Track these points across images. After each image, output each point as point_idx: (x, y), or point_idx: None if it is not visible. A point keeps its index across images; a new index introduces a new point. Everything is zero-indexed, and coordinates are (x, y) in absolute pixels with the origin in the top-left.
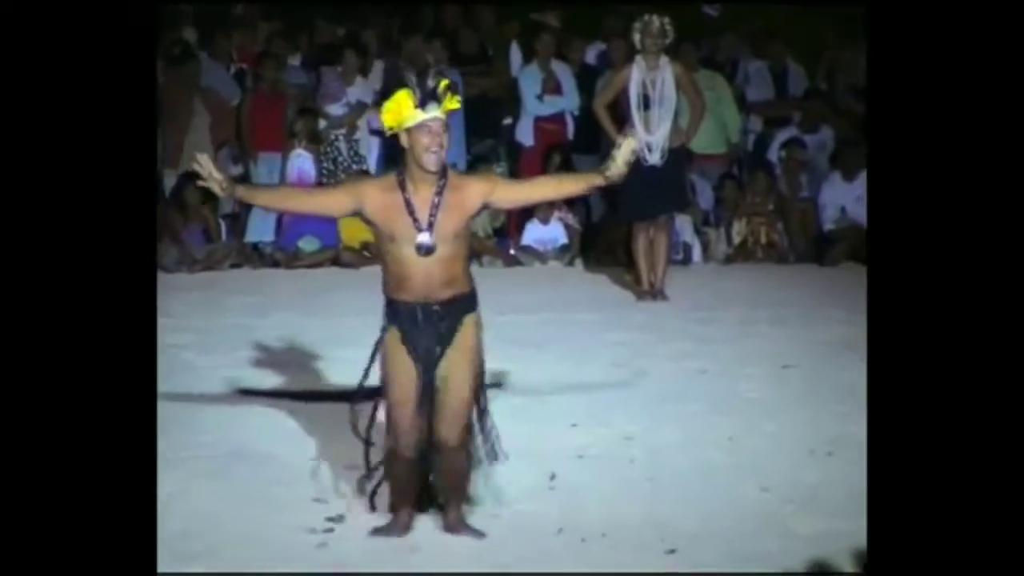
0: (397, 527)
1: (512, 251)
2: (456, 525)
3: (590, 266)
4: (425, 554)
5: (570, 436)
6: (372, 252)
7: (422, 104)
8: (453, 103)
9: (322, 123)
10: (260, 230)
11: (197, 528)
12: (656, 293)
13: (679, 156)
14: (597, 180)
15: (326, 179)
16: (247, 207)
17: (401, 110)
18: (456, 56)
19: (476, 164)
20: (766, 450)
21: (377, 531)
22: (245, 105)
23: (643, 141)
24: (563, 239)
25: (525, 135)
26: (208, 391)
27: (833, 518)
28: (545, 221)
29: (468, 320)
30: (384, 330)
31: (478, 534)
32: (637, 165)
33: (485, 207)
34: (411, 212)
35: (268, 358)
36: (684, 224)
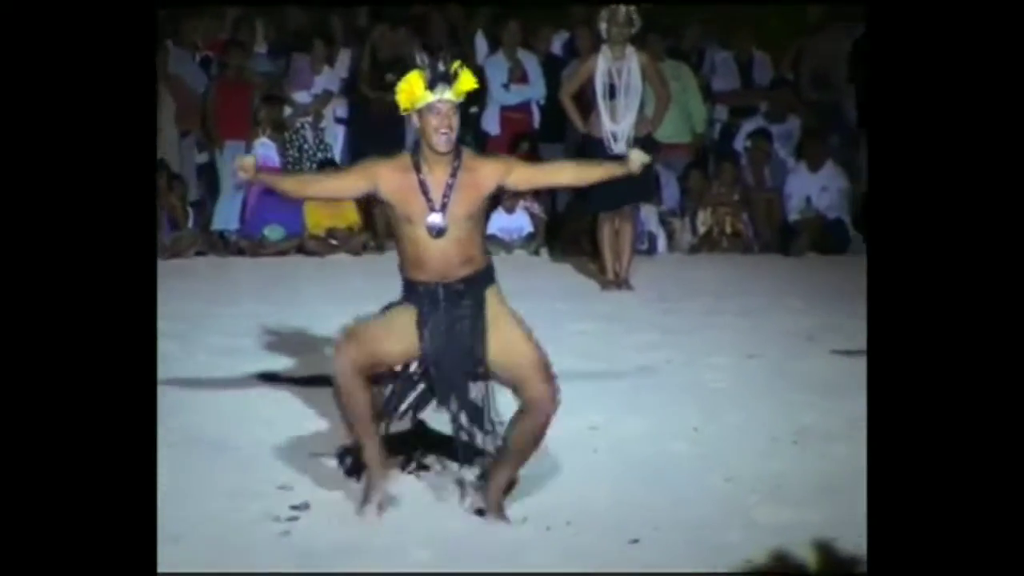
0: (372, 472)
1: None
2: (496, 501)
3: (555, 256)
4: (389, 543)
5: None
6: (338, 239)
7: (432, 85)
8: (469, 83)
9: (288, 111)
10: (225, 218)
11: (159, 515)
12: (621, 283)
13: (645, 146)
14: (619, 170)
15: (291, 167)
16: (213, 194)
17: (413, 91)
18: (424, 45)
19: None
20: (730, 440)
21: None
22: (210, 93)
23: (608, 130)
24: (528, 228)
25: (491, 124)
26: (171, 377)
27: (797, 508)
28: (510, 210)
29: (490, 294)
30: (395, 304)
31: (505, 518)
32: (603, 155)
33: (500, 189)
34: (425, 193)
35: (232, 345)
36: (649, 214)
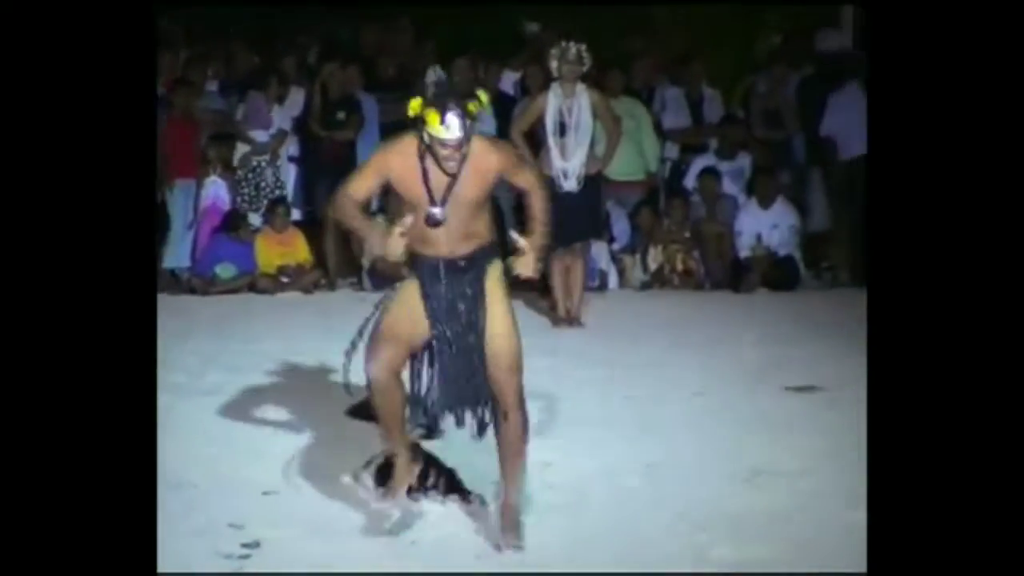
0: (399, 473)
1: None
2: (510, 520)
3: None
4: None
5: (489, 462)
6: (290, 277)
7: (443, 120)
8: (480, 105)
9: (244, 149)
10: (176, 256)
11: None
12: (572, 320)
13: (595, 183)
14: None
15: (247, 206)
16: (163, 233)
17: (427, 120)
18: (373, 82)
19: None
20: (684, 477)
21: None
22: (159, 132)
23: (559, 168)
24: None
25: None
26: None
27: (750, 545)
28: None
29: (492, 271)
30: (401, 283)
31: (519, 546)
32: (553, 192)
33: (502, 179)
34: (427, 183)
35: (183, 382)
36: (600, 251)
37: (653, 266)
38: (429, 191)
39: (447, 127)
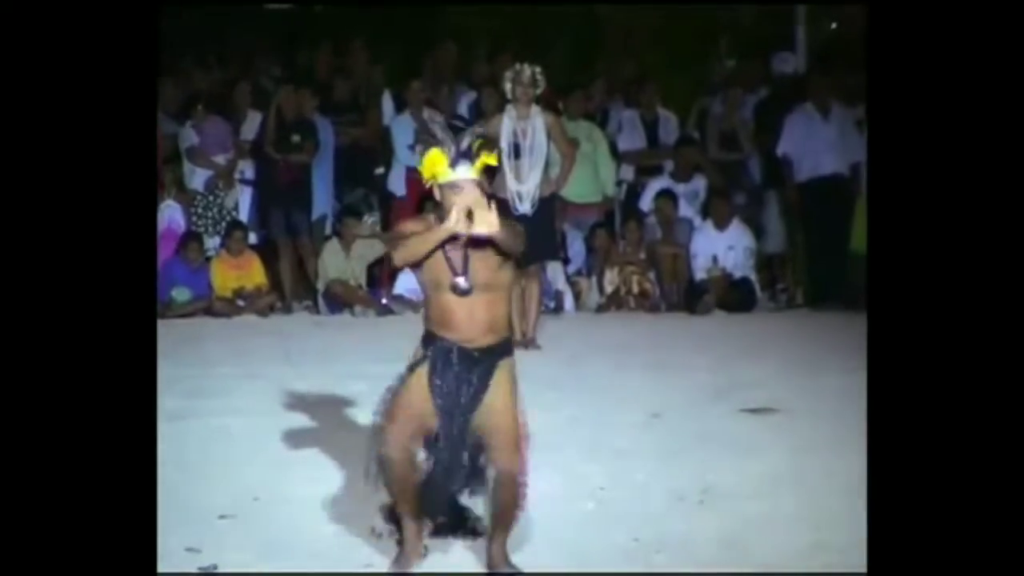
0: (409, 544)
1: (384, 300)
2: (499, 558)
3: None
4: None
5: None
6: (245, 300)
7: (454, 164)
8: (490, 159)
9: (205, 174)
10: None
11: None
12: (528, 342)
13: (550, 205)
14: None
15: (209, 228)
16: None
17: (435, 167)
18: (328, 105)
19: (346, 214)
20: (637, 499)
21: (395, 563)
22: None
23: (513, 191)
24: None
25: (397, 185)
26: None
27: (705, 567)
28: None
29: (504, 364)
30: (417, 363)
31: (517, 572)
32: (507, 214)
33: None
34: (448, 259)
35: None
36: (556, 273)
37: (609, 288)
38: (449, 261)
39: (456, 169)
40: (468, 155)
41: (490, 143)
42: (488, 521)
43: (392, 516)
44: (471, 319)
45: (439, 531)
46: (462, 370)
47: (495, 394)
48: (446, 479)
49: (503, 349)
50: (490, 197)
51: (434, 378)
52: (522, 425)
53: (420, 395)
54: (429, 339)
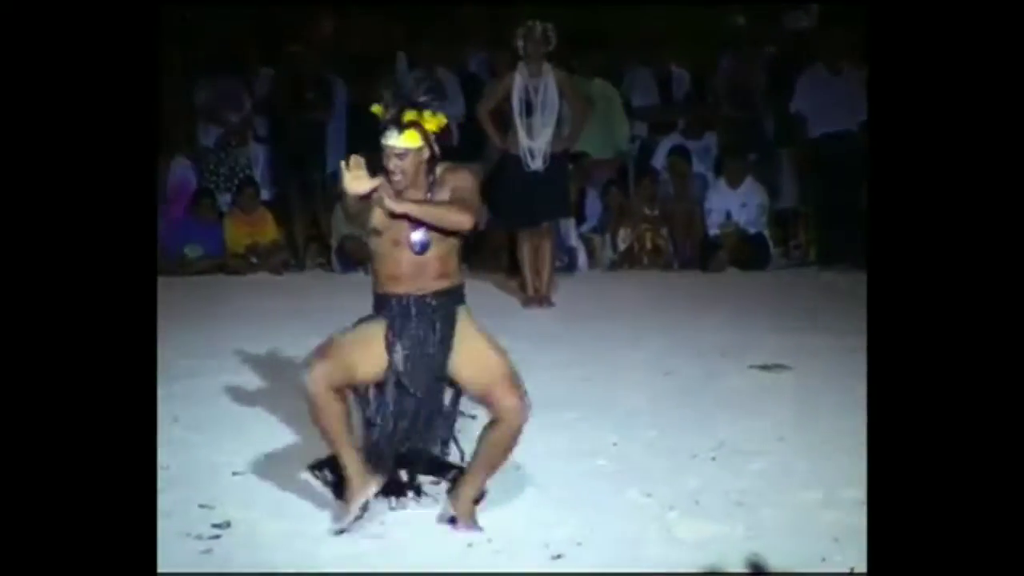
0: (348, 498)
1: None
2: (466, 509)
3: (475, 272)
4: (310, 562)
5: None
6: (259, 257)
7: (382, 130)
8: (430, 125)
9: (218, 131)
10: None
11: None
12: (542, 300)
13: (562, 162)
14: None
15: (221, 186)
16: None
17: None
18: (343, 63)
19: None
20: (649, 456)
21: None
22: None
23: (525, 147)
24: None
25: None
26: None
27: (716, 523)
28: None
29: (461, 311)
30: (366, 318)
31: (478, 527)
32: (520, 171)
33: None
34: (405, 215)
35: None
36: (569, 230)
37: (623, 245)
38: (408, 218)
39: (386, 137)
40: (397, 123)
41: (425, 108)
42: (470, 464)
43: (334, 476)
44: (424, 270)
45: (408, 484)
46: (422, 320)
47: (466, 342)
48: (426, 432)
49: (458, 294)
50: (431, 163)
51: (393, 337)
52: (513, 369)
53: (361, 347)
54: (382, 300)
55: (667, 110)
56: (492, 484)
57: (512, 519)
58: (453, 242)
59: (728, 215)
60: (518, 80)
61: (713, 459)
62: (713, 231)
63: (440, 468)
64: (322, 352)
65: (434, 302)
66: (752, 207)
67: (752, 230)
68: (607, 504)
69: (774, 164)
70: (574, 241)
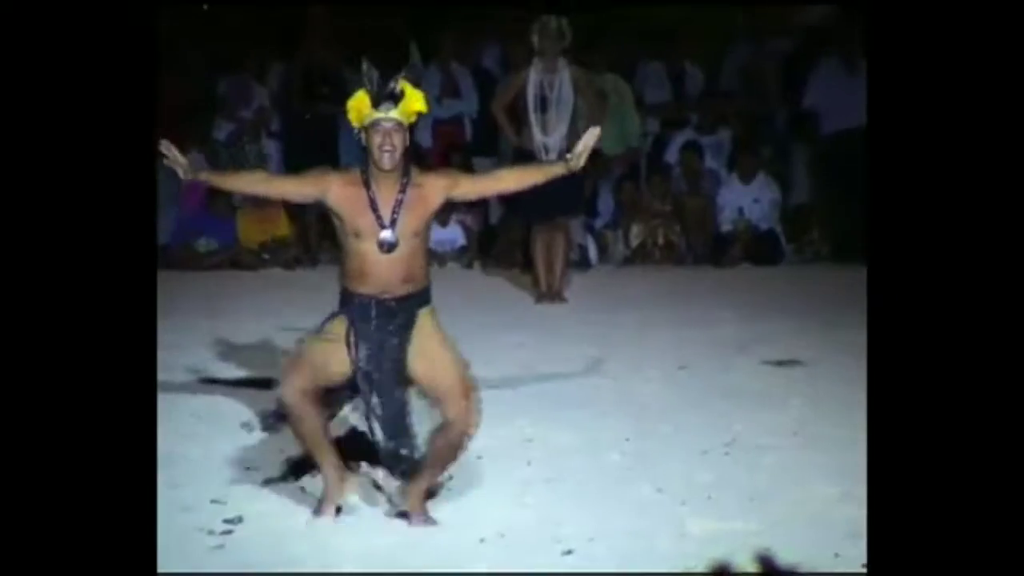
0: (325, 499)
1: None
2: (418, 502)
3: (488, 268)
4: (322, 557)
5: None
6: (270, 252)
7: (376, 103)
8: (416, 103)
9: (230, 126)
10: (160, 231)
11: None
12: (554, 295)
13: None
14: (559, 170)
15: None
16: None
17: (360, 108)
18: (355, 57)
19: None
20: (662, 451)
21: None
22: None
23: (540, 143)
24: (461, 241)
25: (423, 136)
26: None
27: (728, 519)
28: (444, 223)
29: (424, 313)
30: (330, 317)
31: (431, 521)
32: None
33: (448, 202)
34: (375, 209)
35: (165, 358)
36: (579, 226)
37: (635, 241)
38: (378, 216)
39: (380, 109)
40: (392, 95)
41: (414, 83)
42: (423, 460)
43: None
44: (390, 271)
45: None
46: (381, 323)
47: (423, 343)
48: (386, 432)
49: (422, 298)
50: (406, 156)
51: (353, 337)
52: (467, 374)
53: (331, 352)
54: (346, 298)
55: (680, 105)
56: (502, 480)
57: (524, 514)
58: (419, 243)
59: (741, 211)
60: (533, 76)
61: (726, 454)
62: (726, 227)
63: (393, 461)
64: (293, 363)
65: (395, 305)
66: (765, 203)
67: (765, 226)
68: (619, 499)
69: (787, 160)
70: (581, 238)
